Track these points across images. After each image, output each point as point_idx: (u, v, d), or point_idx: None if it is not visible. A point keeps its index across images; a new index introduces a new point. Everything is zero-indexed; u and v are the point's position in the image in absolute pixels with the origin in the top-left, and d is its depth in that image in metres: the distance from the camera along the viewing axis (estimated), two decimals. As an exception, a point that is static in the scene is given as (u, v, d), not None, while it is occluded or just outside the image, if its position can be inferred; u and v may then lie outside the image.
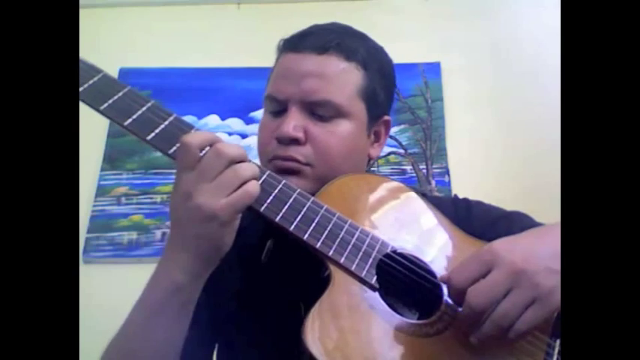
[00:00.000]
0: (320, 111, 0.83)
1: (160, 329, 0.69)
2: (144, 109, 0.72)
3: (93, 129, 1.93)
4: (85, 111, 0.71)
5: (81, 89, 0.70)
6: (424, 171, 1.98)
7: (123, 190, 1.97)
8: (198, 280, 0.69)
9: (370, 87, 0.87)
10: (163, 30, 2.27)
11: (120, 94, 0.72)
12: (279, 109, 0.85)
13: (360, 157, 0.89)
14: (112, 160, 2.01)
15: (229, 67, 2.16)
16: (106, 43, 2.20)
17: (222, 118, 2.09)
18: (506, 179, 1.90)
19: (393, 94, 0.96)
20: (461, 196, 0.97)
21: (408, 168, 1.99)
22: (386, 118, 0.92)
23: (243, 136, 2.06)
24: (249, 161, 0.69)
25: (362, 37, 0.92)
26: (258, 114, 2.07)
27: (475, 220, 0.88)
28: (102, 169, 2.00)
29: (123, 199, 1.96)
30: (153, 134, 0.70)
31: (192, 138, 0.66)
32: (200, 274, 0.68)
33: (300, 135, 0.81)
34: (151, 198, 1.96)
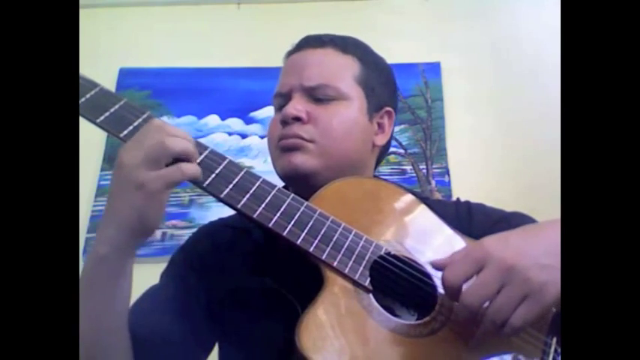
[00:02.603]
0: (320, 94, 0.88)
1: (89, 302, 0.68)
2: (140, 120, 0.72)
3: (93, 129, 1.91)
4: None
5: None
6: (424, 171, 1.98)
7: (123, 190, 1.97)
8: (122, 252, 0.69)
9: (367, 77, 0.93)
10: (163, 30, 2.26)
11: (116, 106, 0.73)
12: (285, 103, 0.89)
13: (362, 138, 0.91)
14: (112, 160, 2.00)
15: (229, 67, 2.15)
16: (106, 43, 2.20)
17: (222, 118, 2.09)
18: (506, 179, 1.90)
19: (395, 92, 1.00)
20: (462, 197, 0.98)
21: (408, 168, 1.99)
22: (388, 109, 0.96)
23: (243, 136, 2.05)
24: (193, 141, 0.69)
25: (356, 40, 0.98)
26: (258, 114, 2.07)
27: (475, 223, 0.88)
28: (102, 169, 1.99)
29: (123, 199, 1.95)
30: None
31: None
32: (123, 246, 0.68)
33: (302, 114, 0.86)
34: (150, 198, 1.96)
